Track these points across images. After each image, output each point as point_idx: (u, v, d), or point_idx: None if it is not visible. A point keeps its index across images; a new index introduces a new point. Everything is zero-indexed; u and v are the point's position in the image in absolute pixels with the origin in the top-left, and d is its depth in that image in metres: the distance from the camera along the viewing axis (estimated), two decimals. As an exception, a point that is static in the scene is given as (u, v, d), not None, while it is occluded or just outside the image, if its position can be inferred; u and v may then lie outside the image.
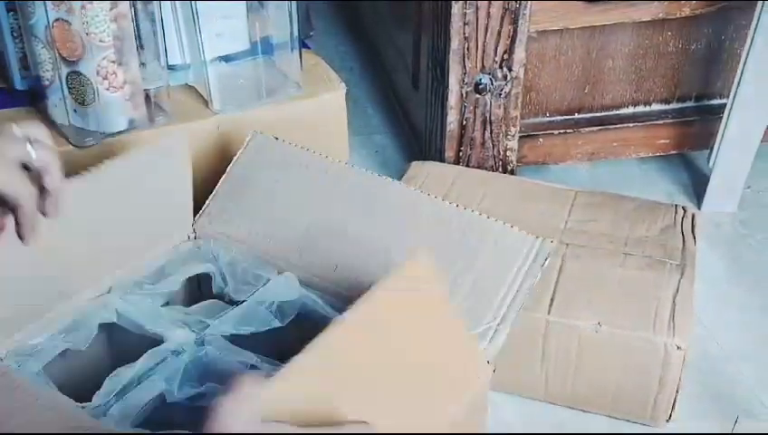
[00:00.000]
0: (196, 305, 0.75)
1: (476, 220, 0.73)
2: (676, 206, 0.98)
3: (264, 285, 0.74)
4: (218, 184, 0.82)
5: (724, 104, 1.14)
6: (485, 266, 0.71)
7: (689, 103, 1.15)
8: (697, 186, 1.18)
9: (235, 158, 0.83)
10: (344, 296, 0.72)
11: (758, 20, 0.99)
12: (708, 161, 1.10)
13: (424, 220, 0.75)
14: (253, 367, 0.67)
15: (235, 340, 0.69)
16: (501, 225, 0.72)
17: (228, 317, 0.71)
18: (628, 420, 0.83)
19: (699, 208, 1.14)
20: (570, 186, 1.02)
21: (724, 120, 1.06)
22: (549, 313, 0.81)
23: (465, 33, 1.01)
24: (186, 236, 0.81)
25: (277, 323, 0.72)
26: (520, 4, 0.99)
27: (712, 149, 1.10)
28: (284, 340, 0.72)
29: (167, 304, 0.75)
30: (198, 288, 0.80)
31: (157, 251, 0.78)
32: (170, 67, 0.94)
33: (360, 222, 0.76)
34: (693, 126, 1.15)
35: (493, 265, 0.71)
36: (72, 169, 0.86)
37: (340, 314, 0.70)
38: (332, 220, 0.77)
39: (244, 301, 0.73)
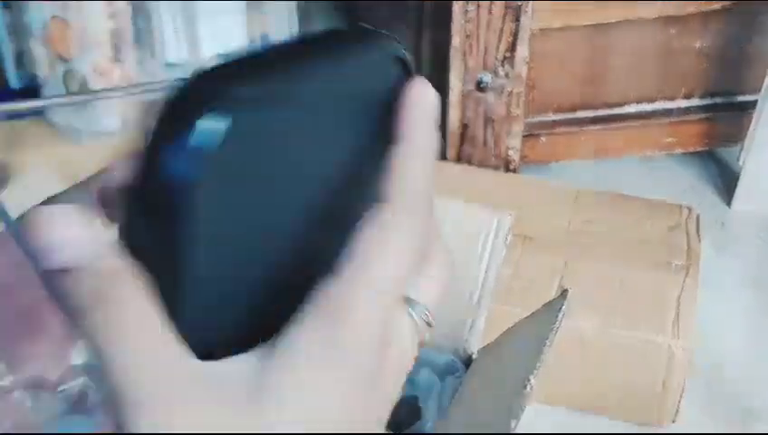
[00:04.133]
0: None
1: None
2: (680, 206, 0.97)
3: None
4: None
5: (730, 102, 1.14)
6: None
7: (694, 102, 1.14)
8: (700, 186, 1.17)
9: None
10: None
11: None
12: (738, 159, 1.09)
13: None
14: None
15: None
16: (454, 203, 0.70)
17: None
18: (631, 421, 0.82)
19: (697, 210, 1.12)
20: (573, 185, 1.01)
21: (755, 117, 1.05)
22: (551, 313, 0.80)
23: (466, 31, 1.00)
24: None
25: None
26: (522, 2, 0.98)
27: (742, 146, 1.08)
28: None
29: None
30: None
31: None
32: (168, 65, 0.94)
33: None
34: (697, 124, 1.14)
35: (455, 249, 0.69)
36: (68, 168, 0.86)
37: None
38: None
39: None
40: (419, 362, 0.67)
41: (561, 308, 0.55)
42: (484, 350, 0.68)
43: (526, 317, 0.63)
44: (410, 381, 0.67)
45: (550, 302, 0.59)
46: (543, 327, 0.55)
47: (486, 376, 0.63)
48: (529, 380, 0.50)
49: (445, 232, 0.71)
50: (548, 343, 0.53)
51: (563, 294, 0.56)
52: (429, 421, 0.64)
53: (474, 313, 0.68)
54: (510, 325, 0.65)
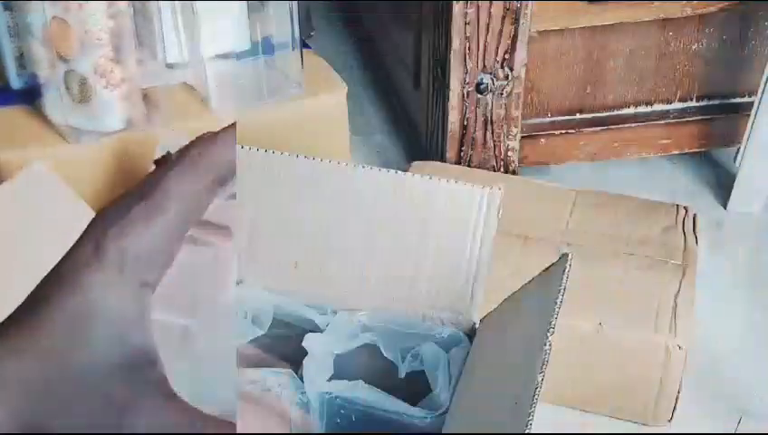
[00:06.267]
0: None
1: (417, 183, 0.72)
2: (677, 206, 0.97)
3: None
4: None
5: (726, 104, 1.14)
6: (441, 228, 0.71)
7: (690, 103, 1.15)
8: (697, 187, 1.18)
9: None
10: (309, 293, 0.72)
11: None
12: (735, 160, 1.10)
13: (365, 195, 0.73)
14: (252, 383, 0.66)
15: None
16: (444, 181, 0.72)
17: None
18: (629, 421, 0.83)
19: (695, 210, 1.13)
20: (572, 186, 1.01)
21: (751, 118, 1.06)
22: (550, 313, 0.81)
23: (466, 33, 1.01)
24: None
25: (259, 332, 0.70)
26: (521, 4, 0.99)
27: (739, 148, 1.09)
28: (264, 349, 0.71)
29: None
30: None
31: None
32: (169, 66, 0.94)
33: (298, 212, 0.74)
34: (694, 126, 1.14)
35: (448, 225, 0.71)
36: (68, 169, 0.86)
37: (319, 311, 0.70)
38: (270, 216, 0.75)
39: None
40: (423, 338, 0.69)
41: (565, 270, 0.55)
42: (488, 318, 0.69)
43: (526, 284, 0.63)
44: (416, 355, 0.68)
45: (548, 268, 0.60)
46: (549, 290, 0.56)
47: (496, 341, 0.64)
48: (547, 337, 0.51)
49: (437, 209, 0.73)
50: (558, 304, 0.53)
51: (563, 257, 0.57)
52: (442, 392, 0.65)
53: (471, 285, 0.69)
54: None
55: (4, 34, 0.91)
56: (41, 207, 0.72)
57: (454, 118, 1.07)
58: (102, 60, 0.83)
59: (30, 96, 0.92)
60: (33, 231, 0.70)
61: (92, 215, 0.79)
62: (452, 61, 1.03)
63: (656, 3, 1.04)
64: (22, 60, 0.92)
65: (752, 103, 1.06)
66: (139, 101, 0.88)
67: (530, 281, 0.63)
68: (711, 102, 1.15)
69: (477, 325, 0.70)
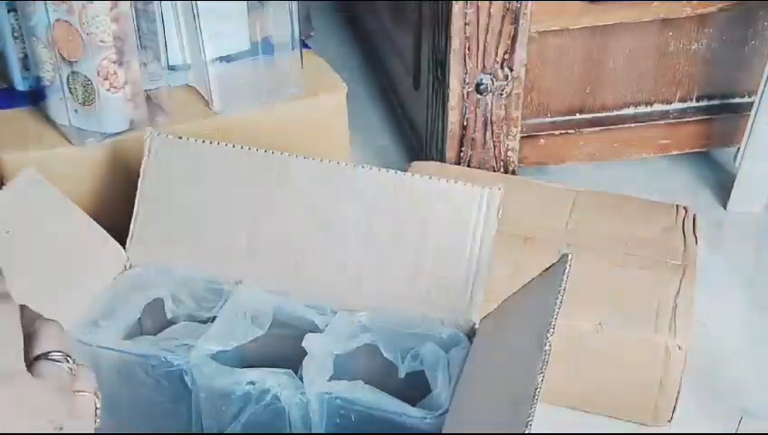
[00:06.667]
0: (168, 330, 0.73)
1: (417, 183, 0.73)
2: (677, 206, 0.98)
3: (226, 298, 0.73)
4: (136, 203, 0.79)
5: (726, 104, 1.15)
6: (441, 228, 0.71)
7: (690, 103, 1.15)
8: (697, 187, 1.18)
9: (141, 168, 0.79)
10: (309, 293, 0.72)
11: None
12: (735, 160, 1.10)
13: (365, 195, 0.74)
14: (250, 383, 0.66)
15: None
16: (445, 183, 0.72)
17: (210, 335, 0.69)
18: (629, 421, 0.83)
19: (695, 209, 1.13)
20: (572, 186, 1.02)
21: (751, 118, 1.06)
22: (550, 313, 0.81)
23: (465, 33, 1.01)
24: (122, 267, 0.78)
25: (259, 332, 0.71)
26: (520, 4, 0.99)
27: (739, 148, 1.09)
28: (263, 350, 0.72)
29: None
30: (139, 323, 0.77)
31: (94, 289, 0.74)
32: (171, 67, 0.94)
33: (298, 212, 0.75)
34: (694, 126, 1.15)
35: (448, 225, 0.71)
36: (72, 170, 0.86)
37: (318, 312, 0.71)
38: (271, 216, 0.75)
39: (213, 317, 0.71)
40: (423, 338, 0.69)
41: (565, 270, 0.56)
42: (488, 319, 0.69)
43: (526, 284, 0.64)
44: (416, 355, 0.68)
45: (548, 268, 0.61)
46: (548, 290, 0.56)
47: (496, 341, 0.64)
48: (547, 337, 0.52)
49: (437, 209, 0.73)
50: (558, 304, 0.54)
51: (563, 257, 0.58)
52: (442, 392, 0.65)
53: (471, 285, 0.70)
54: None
55: (9, 36, 0.91)
56: (35, 212, 0.73)
57: (453, 118, 1.07)
58: (105, 62, 0.83)
59: (35, 98, 0.92)
60: (27, 235, 0.71)
61: (86, 218, 0.80)
62: (451, 61, 1.03)
63: (656, 3, 1.04)
64: (26, 62, 0.92)
65: (752, 103, 1.06)
66: (143, 102, 0.88)
67: (530, 281, 0.64)
68: (711, 102, 1.15)
69: (477, 325, 0.70)
